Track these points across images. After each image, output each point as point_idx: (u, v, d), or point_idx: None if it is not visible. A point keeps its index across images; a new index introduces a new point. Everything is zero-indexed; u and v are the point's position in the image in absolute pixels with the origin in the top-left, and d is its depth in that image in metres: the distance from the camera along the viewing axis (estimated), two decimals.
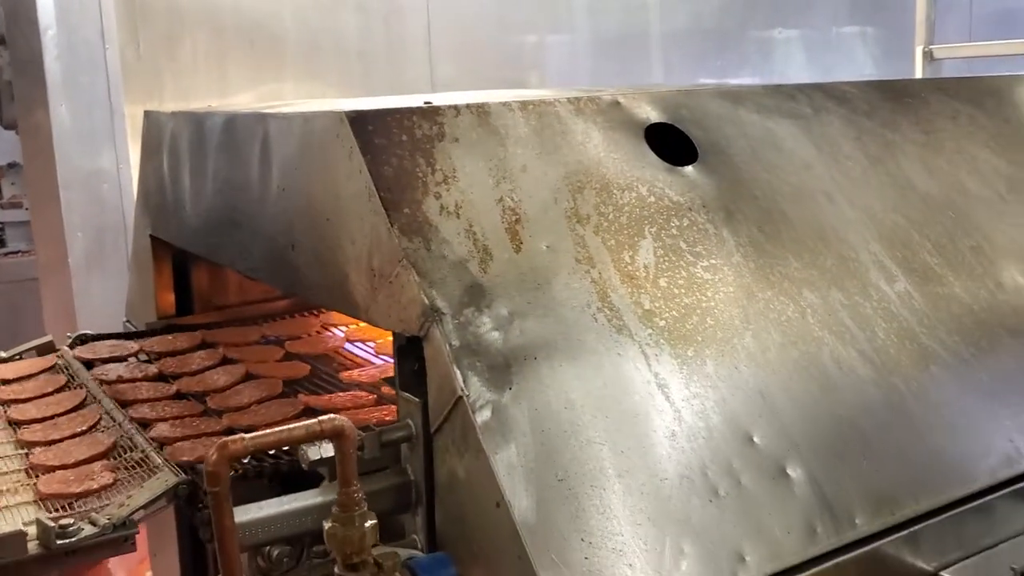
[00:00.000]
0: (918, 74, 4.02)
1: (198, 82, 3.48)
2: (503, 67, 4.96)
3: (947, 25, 6.41)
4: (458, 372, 1.06)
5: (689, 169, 1.39)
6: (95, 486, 1.27)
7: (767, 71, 5.67)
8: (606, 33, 5.33)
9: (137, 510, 1.15)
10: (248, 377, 1.69)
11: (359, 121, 1.20)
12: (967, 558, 1.22)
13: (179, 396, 1.64)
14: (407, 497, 1.15)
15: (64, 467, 1.35)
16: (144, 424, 1.49)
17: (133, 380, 1.71)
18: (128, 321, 2.26)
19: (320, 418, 0.94)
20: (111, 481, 1.29)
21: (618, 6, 5.35)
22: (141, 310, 2.17)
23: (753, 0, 5.75)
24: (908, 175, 1.58)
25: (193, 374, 1.72)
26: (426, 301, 1.10)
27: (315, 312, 2.10)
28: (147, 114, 2.17)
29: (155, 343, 1.89)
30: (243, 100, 3.62)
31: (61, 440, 1.45)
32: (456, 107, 1.27)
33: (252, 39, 3.71)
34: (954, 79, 1.82)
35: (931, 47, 3.98)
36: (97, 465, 1.35)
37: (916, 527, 1.18)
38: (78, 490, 1.27)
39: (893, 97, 1.71)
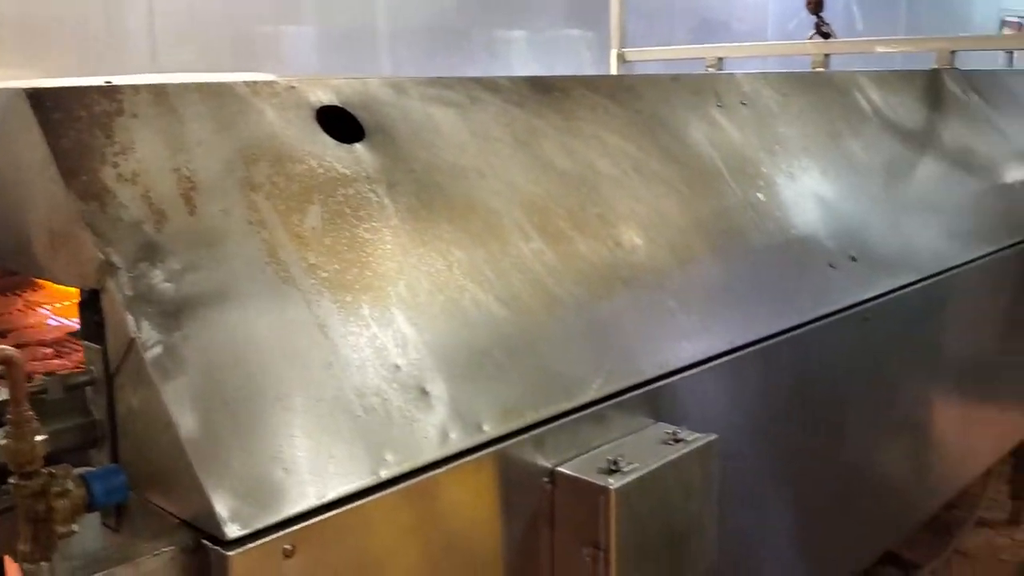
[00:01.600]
0: (614, 73, 4.51)
1: None
2: (232, 59, 4.99)
3: (657, 30, 7.12)
4: (131, 318, 1.21)
5: (356, 146, 1.61)
6: None
7: (494, 69, 6.06)
8: (335, 28, 5.48)
9: None
10: None
11: (37, 97, 1.32)
12: (580, 455, 1.53)
13: None
14: (92, 435, 1.28)
15: None
16: None
17: None
18: None
19: None
20: None
21: (346, 2, 5.51)
22: None
23: (481, 1, 6.10)
24: (549, 156, 1.89)
25: None
26: (102, 257, 1.24)
27: (17, 292, 2.13)
28: None
29: None
30: None
31: None
32: (136, 87, 1.42)
33: None
34: (600, 77, 2.16)
35: (624, 50, 4.48)
36: None
37: (537, 431, 1.47)
38: None
39: (543, 90, 2.02)
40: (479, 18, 6.02)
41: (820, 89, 2.79)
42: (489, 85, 1.93)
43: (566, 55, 6.53)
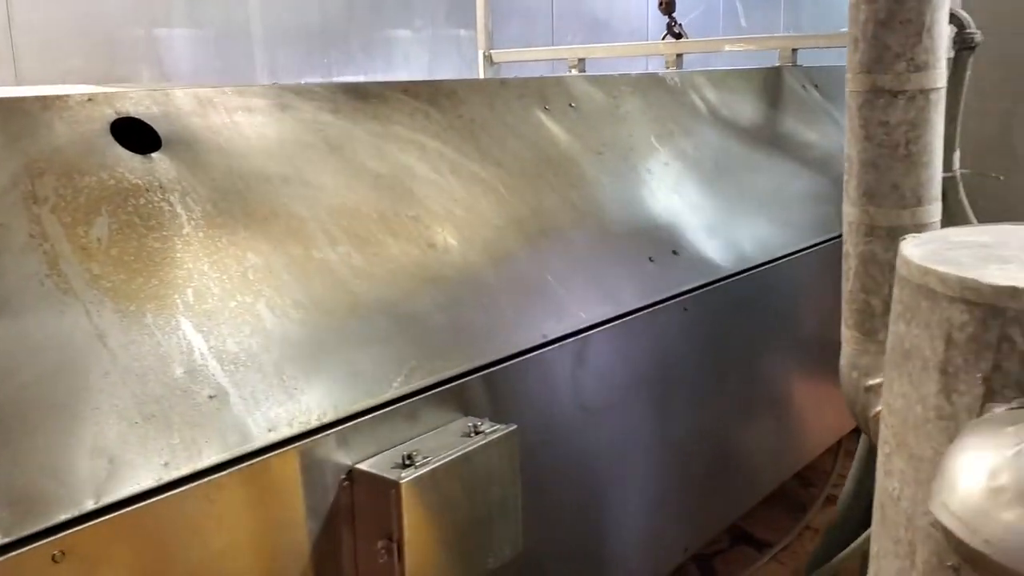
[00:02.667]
0: (481, 75, 4.59)
1: None
2: (104, 64, 4.88)
3: (538, 31, 7.22)
4: None
5: (153, 156, 1.64)
6: None
7: (372, 70, 6.06)
8: (208, 31, 5.41)
9: None
10: None
11: None
12: (382, 452, 1.59)
13: None
14: None
15: None
16: None
17: None
18: None
19: None
20: None
21: (218, 3, 5.44)
22: None
23: (360, 3, 6.08)
24: (362, 161, 1.94)
25: None
26: None
27: None
28: None
29: None
30: None
31: None
32: None
33: None
34: (419, 82, 2.22)
35: (491, 52, 4.55)
36: None
37: (334, 430, 1.52)
38: None
39: (359, 97, 2.07)
40: (357, 19, 6.01)
41: (655, 90, 2.90)
42: (302, 92, 1.97)
43: (446, 55, 6.56)
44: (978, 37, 1.67)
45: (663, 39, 4.06)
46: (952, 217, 1.77)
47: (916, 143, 1.47)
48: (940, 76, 1.46)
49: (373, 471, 1.53)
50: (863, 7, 1.47)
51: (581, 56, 4.24)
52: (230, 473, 1.38)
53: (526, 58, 4.64)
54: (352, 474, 1.55)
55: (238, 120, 1.81)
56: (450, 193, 2.04)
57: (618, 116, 2.68)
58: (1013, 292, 1.00)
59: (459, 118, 2.22)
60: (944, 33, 1.45)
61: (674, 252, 2.45)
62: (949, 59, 1.61)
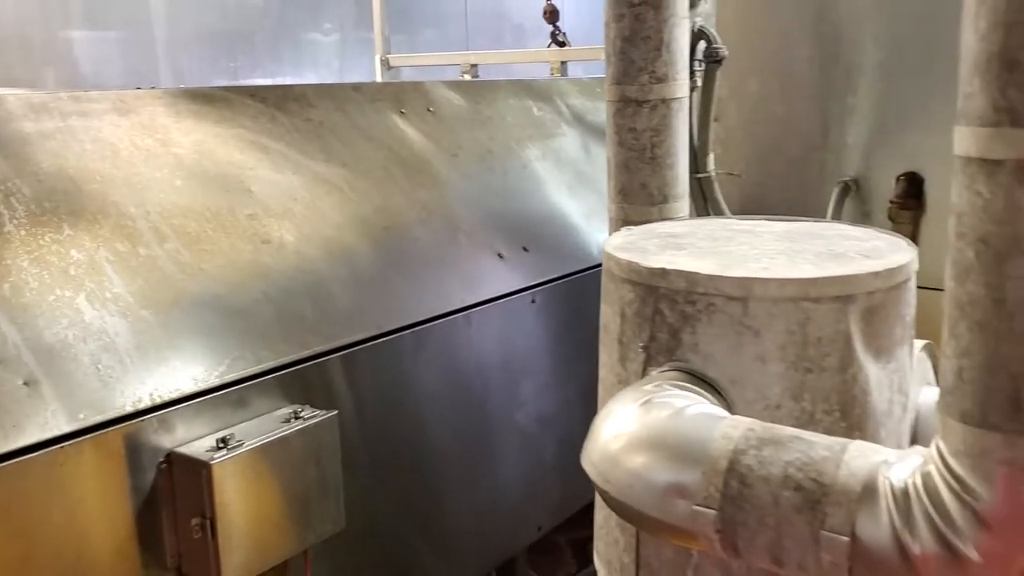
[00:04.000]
0: (379, 79, 4.68)
1: None
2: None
3: (451, 35, 7.32)
4: None
5: None
6: None
7: (279, 73, 6.11)
8: (111, 34, 5.42)
9: None
10: None
11: None
12: (204, 436, 1.68)
13: None
14: None
15: None
16: None
17: None
18: None
19: None
20: None
21: (121, 6, 5.45)
22: None
23: (267, 7, 6.12)
24: (200, 162, 2.03)
25: None
26: None
27: None
28: None
29: None
30: None
31: None
32: None
33: None
34: (267, 87, 2.32)
35: (388, 56, 4.65)
36: None
37: (153, 415, 1.61)
38: None
39: (204, 101, 2.16)
40: (264, 22, 6.06)
41: (518, 96, 3.03)
42: (142, 97, 2.06)
43: (358, 59, 6.64)
44: (723, 52, 1.83)
45: (548, 47, 4.21)
46: (713, 212, 1.93)
47: (660, 147, 1.62)
48: (680, 87, 1.61)
49: (187, 453, 1.63)
50: (612, 26, 1.62)
51: (473, 62, 4.36)
52: (41, 455, 1.46)
53: (421, 63, 4.75)
54: (170, 457, 1.64)
55: (73, 124, 1.89)
56: (290, 192, 2.14)
57: (478, 121, 2.80)
58: (663, 273, 1.14)
59: (307, 121, 2.32)
60: (682, 49, 1.60)
61: (524, 249, 2.57)
62: (700, 71, 1.78)
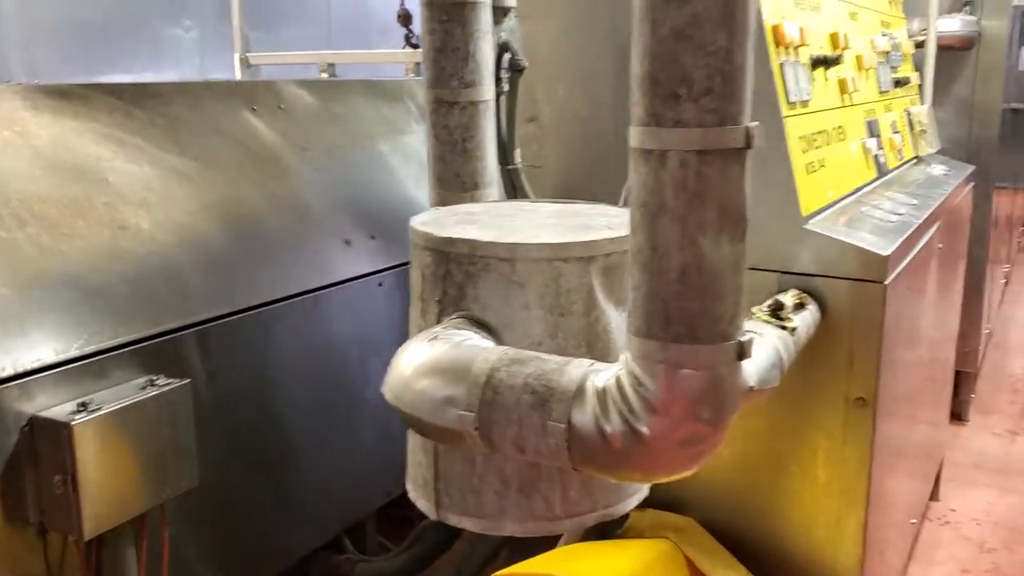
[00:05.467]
0: (238, 77, 4.80)
1: None
2: None
3: (313, 34, 7.42)
4: None
5: None
6: None
7: (137, 69, 6.09)
8: None
9: None
10: None
11: None
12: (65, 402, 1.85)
13: None
14: None
15: None
16: None
17: None
18: None
19: None
20: None
21: None
22: None
23: (125, 1, 6.08)
24: (58, 155, 2.18)
25: None
26: None
27: None
28: None
29: None
30: None
31: None
32: None
33: None
34: (124, 85, 2.48)
35: (247, 54, 4.78)
36: None
37: (16, 383, 1.77)
38: None
39: (60, 97, 2.30)
40: (122, 17, 6.03)
41: (368, 95, 3.26)
42: (3, 91, 2.19)
43: (219, 56, 6.66)
44: (523, 62, 2.14)
45: (403, 48, 4.44)
46: (520, 198, 2.24)
47: (470, 141, 1.91)
48: (486, 91, 1.90)
49: (49, 416, 1.80)
50: (427, 38, 1.90)
51: (330, 61, 4.54)
52: None
53: (280, 61, 4.90)
54: (32, 421, 1.81)
55: None
56: (146, 183, 2.31)
57: (329, 118, 3.01)
58: (452, 241, 1.42)
59: (162, 116, 2.49)
60: (487, 59, 1.89)
61: (372, 236, 2.81)
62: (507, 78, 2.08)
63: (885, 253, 1.97)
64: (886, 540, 2.44)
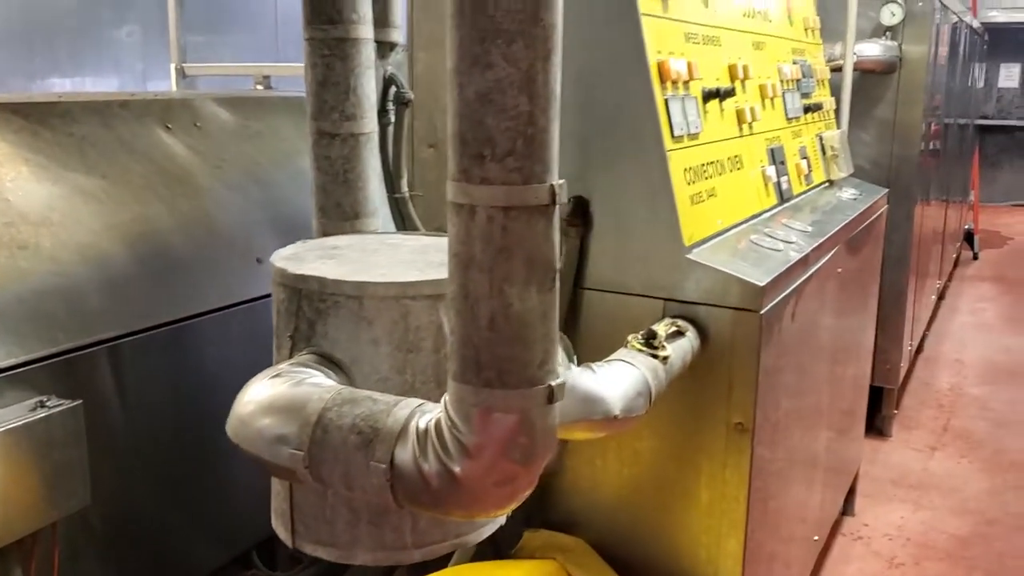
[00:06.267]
0: (174, 87, 4.81)
1: None
2: None
3: (262, 41, 7.40)
4: None
5: None
6: None
7: (79, 75, 6.06)
8: None
9: None
10: None
11: None
12: None
13: None
14: None
15: None
16: None
17: None
18: None
19: None
20: None
21: None
22: None
23: (66, 4, 6.04)
24: None
25: None
26: None
27: None
28: None
29: None
30: None
31: None
32: None
33: None
34: (31, 104, 2.49)
35: (183, 65, 4.79)
36: None
37: None
38: None
39: None
40: (64, 23, 5.99)
41: (289, 111, 3.29)
42: None
43: (163, 63, 6.64)
44: (408, 95, 2.19)
45: None
46: (408, 227, 2.29)
47: (351, 172, 1.95)
48: (367, 124, 1.95)
49: None
50: (308, 71, 1.94)
51: (267, 73, 4.56)
52: None
53: (216, 72, 4.91)
54: None
55: None
56: (48, 202, 2.32)
57: (246, 135, 3.04)
58: (303, 278, 1.47)
59: (69, 136, 2.50)
60: (368, 93, 1.95)
61: None
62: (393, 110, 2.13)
63: (761, 283, 2.04)
64: (774, 559, 2.52)
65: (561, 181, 1.24)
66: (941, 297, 7.97)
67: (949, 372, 6.19)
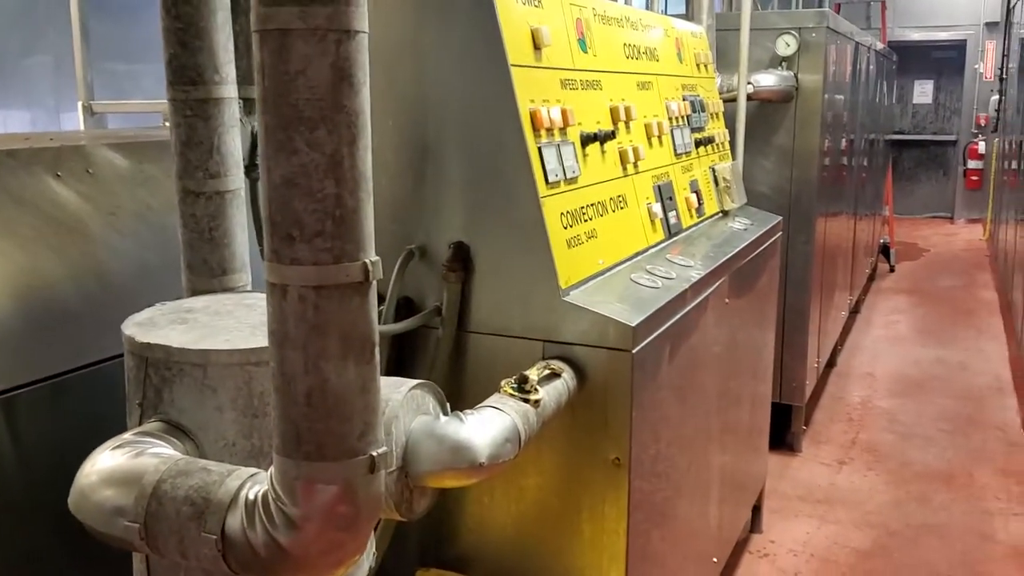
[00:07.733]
0: (81, 126, 4.76)
1: None
2: None
3: None
4: None
5: None
6: None
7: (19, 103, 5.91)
8: None
9: None
10: None
11: None
12: None
13: None
14: None
15: None
16: None
17: None
18: None
19: None
20: None
21: None
22: None
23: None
24: None
25: None
26: None
27: None
28: None
29: None
30: None
31: None
32: None
33: None
34: None
35: (91, 102, 4.74)
36: None
37: None
38: None
39: None
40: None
41: None
42: None
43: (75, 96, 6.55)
44: None
45: None
46: None
47: (217, 230, 1.99)
48: (232, 182, 1.99)
49: None
50: (173, 131, 1.97)
51: None
52: None
53: (125, 110, 4.88)
54: None
55: None
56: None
57: (140, 180, 3.03)
58: (149, 346, 1.50)
59: None
60: (232, 151, 1.99)
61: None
62: None
63: (632, 324, 2.12)
64: None
65: (375, 258, 1.29)
66: (856, 311, 8.22)
67: (860, 386, 6.39)
